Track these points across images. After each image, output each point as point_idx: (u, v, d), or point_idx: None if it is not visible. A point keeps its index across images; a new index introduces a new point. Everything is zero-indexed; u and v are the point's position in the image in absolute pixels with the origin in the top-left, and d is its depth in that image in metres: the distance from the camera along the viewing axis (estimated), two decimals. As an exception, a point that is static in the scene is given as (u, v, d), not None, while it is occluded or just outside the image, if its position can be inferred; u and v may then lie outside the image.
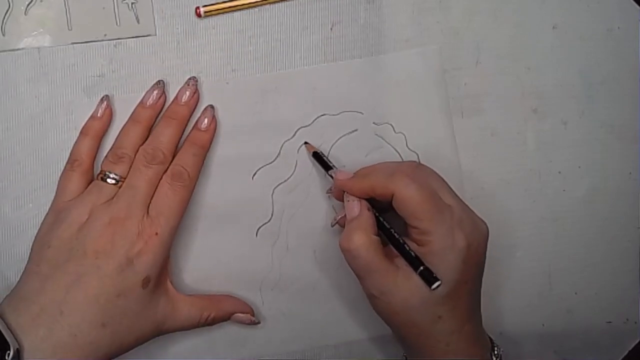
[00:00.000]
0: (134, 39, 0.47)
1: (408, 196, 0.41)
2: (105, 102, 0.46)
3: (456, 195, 0.43)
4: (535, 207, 0.52)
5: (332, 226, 0.48)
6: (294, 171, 0.49)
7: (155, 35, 0.47)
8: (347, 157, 0.49)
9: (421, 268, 0.41)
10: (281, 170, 0.49)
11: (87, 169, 0.45)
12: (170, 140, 0.45)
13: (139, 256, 0.42)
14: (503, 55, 0.51)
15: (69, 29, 0.46)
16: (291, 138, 0.49)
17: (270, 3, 0.48)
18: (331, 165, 0.47)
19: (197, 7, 0.47)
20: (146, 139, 0.45)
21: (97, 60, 0.47)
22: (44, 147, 0.46)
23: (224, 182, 0.48)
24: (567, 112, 0.52)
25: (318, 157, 0.47)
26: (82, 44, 0.46)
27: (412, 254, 0.41)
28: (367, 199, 0.44)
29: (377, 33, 0.49)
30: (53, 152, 0.46)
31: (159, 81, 0.46)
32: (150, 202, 0.43)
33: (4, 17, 0.45)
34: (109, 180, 0.44)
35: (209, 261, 0.48)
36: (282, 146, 0.48)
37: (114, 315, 0.41)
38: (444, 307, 0.41)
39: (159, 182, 0.44)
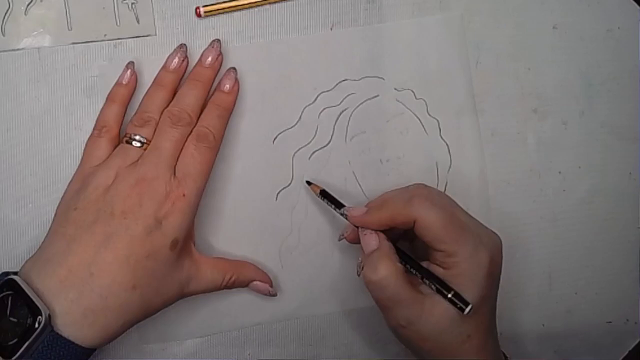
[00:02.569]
0: (134, 39, 0.47)
1: (431, 220, 0.41)
2: (130, 69, 0.46)
3: (467, 212, 0.43)
4: (535, 207, 0.52)
5: (359, 275, 0.45)
6: (315, 136, 0.49)
7: (155, 35, 0.47)
8: (368, 123, 0.49)
9: (451, 294, 0.40)
10: (302, 135, 0.49)
11: (114, 135, 0.45)
12: (196, 102, 0.44)
13: (167, 217, 0.41)
14: (503, 55, 0.51)
15: (69, 29, 0.46)
16: (312, 103, 0.49)
17: (270, 3, 0.48)
18: (341, 202, 0.46)
19: (197, 7, 0.47)
20: (170, 103, 0.45)
21: (97, 60, 0.47)
22: (44, 147, 0.46)
23: (244, 146, 0.48)
24: (567, 112, 0.52)
25: (326, 195, 0.47)
26: (82, 44, 0.46)
27: (440, 280, 0.41)
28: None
29: (377, 33, 0.49)
30: (53, 152, 0.46)
31: (181, 45, 0.46)
32: (176, 164, 0.43)
33: (4, 17, 0.45)
34: (134, 143, 0.43)
35: (229, 224, 0.48)
36: (302, 111, 0.48)
37: (143, 277, 0.40)
38: (472, 326, 0.41)
39: (184, 144, 0.43)
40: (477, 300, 0.40)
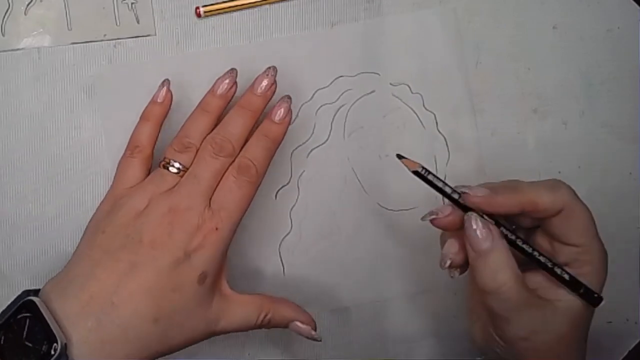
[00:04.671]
0: (134, 39, 0.47)
1: (580, 210, 0.38)
2: (165, 87, 0.44)
3: None
4: (536, 207, 0.52)
5: (443, 268, 0.40)
6: (312, 133, 0.49)
7: (155, 35, 0.47)
8: (366, 118, 0.49)
9: (581, 290, 0.38)
10: (299, 132, 0.49)
11: (147, 155, 0.43)
12: (241, 132, 0.42)
13: (196, 250, 0.39)
14: (503, 55, 0.51)
15: (68, 29, 0.46)
16: (309, 100, 0.49)
17: (270, 3, 0.48)
18: (446, 183, 0.39)
19: (197, 7, 0.47)
20: (213, 129, 0.42)
21: (97, 60, 0.47)
22: (44, 147, 0.46)
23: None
24: (567, 112, 0.52)
25: (421, 176, 0.39)
26: (82, 44, 0.47)
27: (568, 275, 0.38)
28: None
29: (372, 29, 0.49)
30: (53, 152, 0.46)
31: (232, 69, 0.44)
32: (212, 195, 0.41)
33: (4, 17, 0.45)
34: (171, 169, 0.41)
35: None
36: (300, 108, 0.49)
37: (166, 311, 0.38)
38: (585, 331, 0.40)
39: (224, 174, 0.41)
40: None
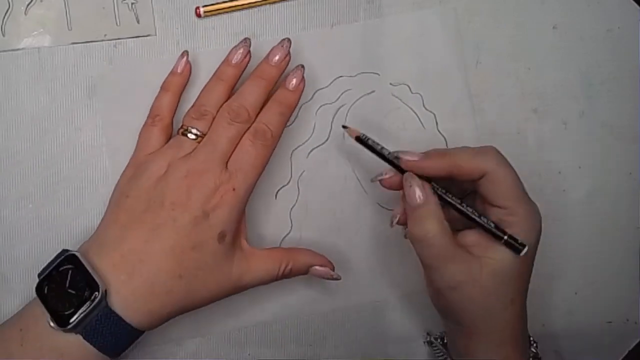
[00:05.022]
0: (134, 39, 0.47)
1: (504, 175, 0.41)
2: (185, 58, 0.46)
3: None
4: (535, 207, 0.52)
5: (392, 226, 0.45)
6: (312, 133, 0.49)
7: (155, 35, 0.47)
8: (366, 118, 0.49)
9: (505, 237, 0.40)
10: (299, 132, 0.49)
11: (167, 124, 0.45)
12: (256, 99, 0.44)
13: (214, 210, 0.42)
14: (503, 55, 0.51)
15: (69, 29, 0.46)
16: (309, 100, 0.49)
17: (270, 3, 0.48)
18: (383, 147, 0.43)
19: (197, 7, 0.47)
20: (229, 97, 0.44)
21: (97, 60, 0.47)
22: (44, 147, 0.46)
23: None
24: (567, 112, 0.52)
25: (362, 141, 0.43)
26: (82, 44, 0.47)
27: (493, 224, 0.41)
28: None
29: (372, 30, 0.49)
30: (53, 152, 0.46)
31: (245, 39, 0.45)
32: (228, 159, 0.43)
33: (4, 17, 0.45)
34: (189, 135, 0.43)
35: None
36: (300, 108, 0.49)
37: (189, 267, 0.41)
38: (516, 289, 0.42)
39: (240, 139, 0.43)
40: (530, 261, 0.41)
